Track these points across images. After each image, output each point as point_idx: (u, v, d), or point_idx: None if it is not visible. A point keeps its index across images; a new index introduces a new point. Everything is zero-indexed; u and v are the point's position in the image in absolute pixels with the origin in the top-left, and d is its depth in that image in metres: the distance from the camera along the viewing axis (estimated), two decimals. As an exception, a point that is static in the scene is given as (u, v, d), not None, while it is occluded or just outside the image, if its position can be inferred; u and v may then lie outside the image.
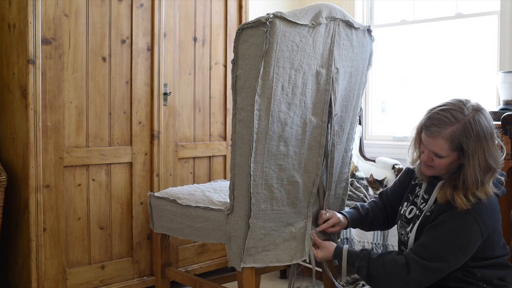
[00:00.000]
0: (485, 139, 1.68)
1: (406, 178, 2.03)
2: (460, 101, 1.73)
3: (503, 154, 1.75)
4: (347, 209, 2.18)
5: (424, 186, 1.90)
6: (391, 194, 2.10)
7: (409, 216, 1.91)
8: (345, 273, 1.97)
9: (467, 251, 1.70)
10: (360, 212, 2.09)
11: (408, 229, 1.87)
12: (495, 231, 1.74)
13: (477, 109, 1.71)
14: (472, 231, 1.68)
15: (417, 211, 1.86)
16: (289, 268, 2.27)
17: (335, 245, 2.02)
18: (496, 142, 1.73)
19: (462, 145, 1.67)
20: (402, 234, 1.93)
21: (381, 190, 2.26)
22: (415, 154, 1.87)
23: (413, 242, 1.82)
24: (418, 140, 1.82)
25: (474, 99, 1.76)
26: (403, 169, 2.09)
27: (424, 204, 1.85)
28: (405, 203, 1.97)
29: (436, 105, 1.78)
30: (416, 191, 1.93)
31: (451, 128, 1.67)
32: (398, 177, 2.11)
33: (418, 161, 1.87)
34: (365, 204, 2.14)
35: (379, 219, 2.10)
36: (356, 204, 2.14)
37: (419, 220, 1.82)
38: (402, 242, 1.94)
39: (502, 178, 1.79)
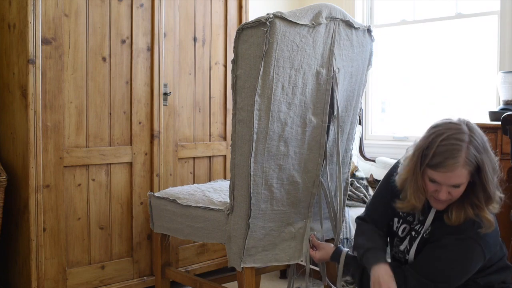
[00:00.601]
0: (487, 145, 1.64)
1: (388, 195, 1.85)
2: (450, 122, 1.65)
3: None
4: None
5: None
6: (380, 215, 1.92)
7: (401, 235, 1.84)
8: (340, 277, 1.96)
9: (468, 274, 1.67)
10: (383, 239, 1.92)
11: (402, 248, 1.82)
12: (496, 245, 1.72)
13: (466, 121, 1.66)
14: (474, 255, 1.65)
15: (413, 233, 1.80)
16: (289, 268, 2.27)
17: (334, 247, 2.01)
18: None
19: (478, 163, 1.60)
20: (396, 252, 1.87)
21: (361, 215, 1.99)
22: (416, 198, 1.69)
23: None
24: (421, 182, 1.66)
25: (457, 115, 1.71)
26: (380, 187, 1.94)
27: (420, 226, 1.78)
28: (396, 219, 1.88)
29: (425, 141, 1.64)
30: None
31: (464, 152, 1.58)
32: (377, 197, 1.95)
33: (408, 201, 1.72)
34: (371, 231, 1.91)
35: (386, 243, 1.96)
36: (368, 233, 1.91)
37: (417, 242, 1.76)
38: (397, 260, 1.87)
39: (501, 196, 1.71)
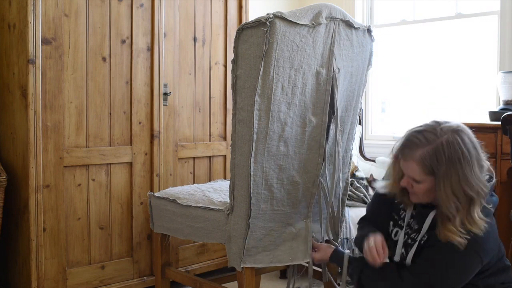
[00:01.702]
0: (460, 163, 1.56)
1: (382, 199, 1.87)
2: (437, 122, 1.63)
3: (493, 180, 1.65)
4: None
5: (409, 211, 1.79)
6: (377, 220, 1.93)
7: (394, 238, 1.82)
8: (344, 279, 1.96)
9: (465, 280, 1.65)
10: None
11: (397, 254, 1.79)
12: (494, 249, 1.69)
13: (455, 131, 1.59)
14: (473, 264, 1.63)
15: (409, 240, 1.77)
16: (288, 268, 2.27)
17: (333, 248, 2.01)
18: (484, 165, 1.61)
19: (433, 169, 1.57)
20: (392, 255, 1.84)
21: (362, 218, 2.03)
22: (392, 180, 1.75)
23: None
24: (398, 165, 1.71)
25: (456, 120, 1.66)
26: (375, 193, 1.96)
27: (416, 234, 1.75)
28: (391, 222, 1.87)
29: (415, 126, 1.69)
30: (401, 213, 1.83)
31: (421, 150, 1.58)
32: (374, 201, 1.98)
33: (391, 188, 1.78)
34: (371, 226, 1.92)
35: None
36: (369, 227, 1.92)
37: (414, 249, 1.73)
38: (391, 261, 1.86)
39: (491, 183, 1.67)
